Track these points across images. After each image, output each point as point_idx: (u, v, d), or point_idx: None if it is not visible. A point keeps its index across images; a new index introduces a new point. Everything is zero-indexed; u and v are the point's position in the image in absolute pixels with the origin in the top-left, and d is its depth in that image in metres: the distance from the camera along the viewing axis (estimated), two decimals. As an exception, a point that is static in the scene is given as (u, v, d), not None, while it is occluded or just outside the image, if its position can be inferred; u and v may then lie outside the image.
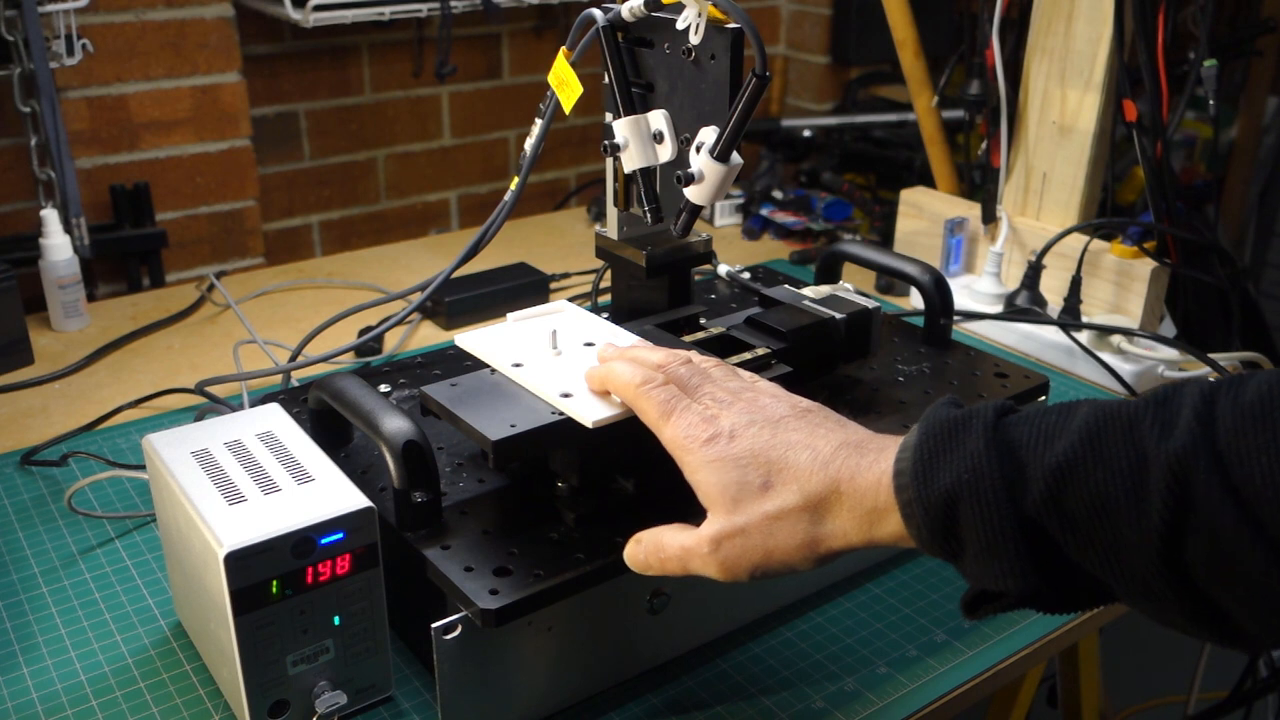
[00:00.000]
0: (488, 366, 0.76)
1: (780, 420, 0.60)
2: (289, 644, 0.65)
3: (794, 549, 0.57)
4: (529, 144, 0.91)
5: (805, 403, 0.63)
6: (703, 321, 0.88)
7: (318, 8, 1.38)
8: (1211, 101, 1.16)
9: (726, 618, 0.78)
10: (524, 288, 1.28)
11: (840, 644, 0.78)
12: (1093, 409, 0.49)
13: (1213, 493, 0.44)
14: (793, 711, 0.72)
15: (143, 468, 0.93)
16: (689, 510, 0.72)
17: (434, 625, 0.63)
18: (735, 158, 0.74)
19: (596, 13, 0.79)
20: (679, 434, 0.61)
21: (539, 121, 0.89)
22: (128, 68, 1.35)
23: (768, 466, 0.58)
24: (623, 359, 0.68)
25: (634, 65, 0.80)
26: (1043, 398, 0.92)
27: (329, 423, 0.80)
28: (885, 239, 1.48)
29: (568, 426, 0.68)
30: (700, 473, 0.60)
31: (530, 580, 0.65)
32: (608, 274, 0.94)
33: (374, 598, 0.67)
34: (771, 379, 0.79)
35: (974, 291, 1.26)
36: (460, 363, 0.95)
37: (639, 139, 0.80)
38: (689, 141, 0.77)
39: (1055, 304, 1.22)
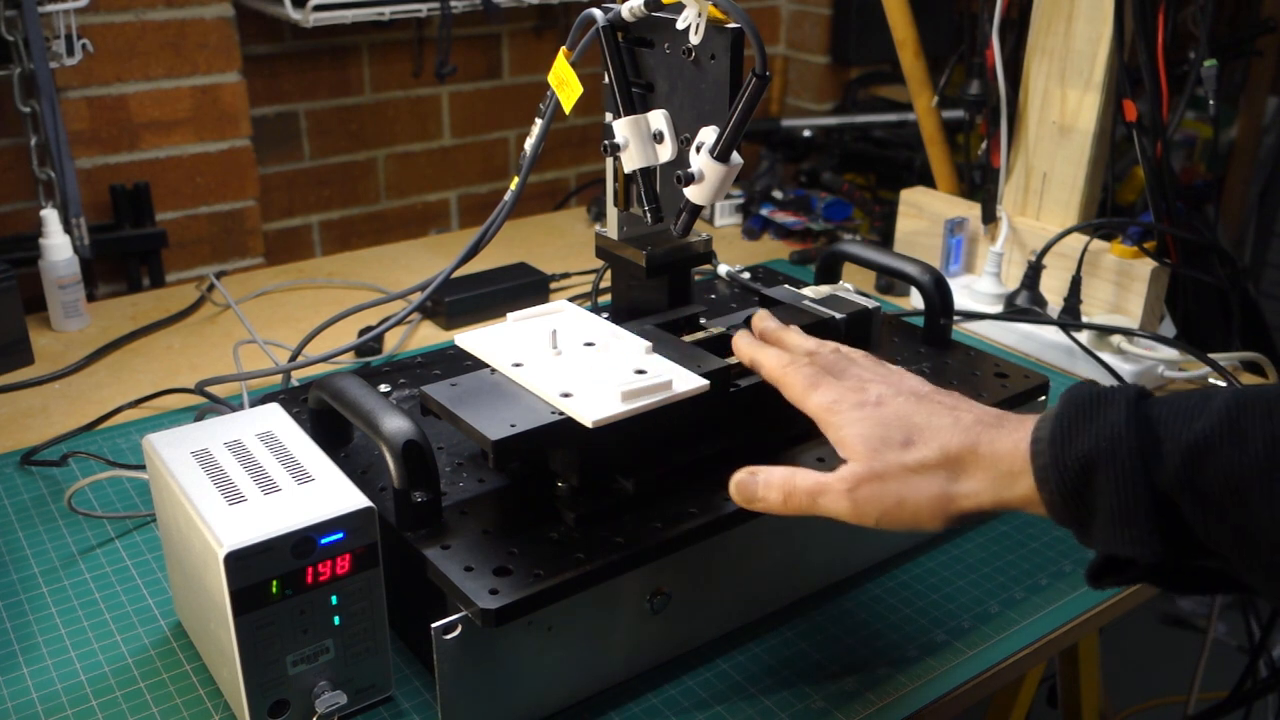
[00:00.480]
0: (488, 366, 0.76)
1: (925, 395, 0.64)
2: (289, 644, 0.65)
3: (925, 502, 0.59)
4: (529, 144, 0.91)
5: (943, 389, 0.66)
6: (703, 321, 0.88)
7: (318, 8, 1.38)
8: (1211, 101, 1.16)
9: (726, 618, 0.78)
10: (524, 288, 1.28)
11: (840, 644, 0.78)
12: (1234, 393, 0.51)
13: None
14: (793, 711, 0.72)
15: (143, 468, 0.93)
16: (688, 511, 0.72)
17: (434, 625, 0.63)
18: (735, 158, 0.74)
19: (596, 13, 0.79)
20: (826, 400, 0.64)
21: (539, 121, 0.89)
22: (128, 68, 1.35)
23: (911, 428, 0.61)
24: (771, 348, 0.71)
25: (634, 65, 0.80)
26: (1043, 398, 0.92)
27: (329, 423, 0.80)
28: (885, 239, 1.48)
29: (568, 426, 0.68)
30: (845, 429, 0.62)
31: (530, 580, 0.65)
32: (608, 274, 0.94)
33: (374, 598, 0.67)
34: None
35: (974, 291, 1.26)
36: (460, 363, 0.95)
37: (639, 139, 0.80)
38: (689, 141, 0.77)
39: (1055, 304, 1.22)
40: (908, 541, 0.88)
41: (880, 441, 0.61)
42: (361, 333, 1.15)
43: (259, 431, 0.73)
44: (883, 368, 0.68)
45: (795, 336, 0.73)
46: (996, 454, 0.58)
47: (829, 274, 1.03)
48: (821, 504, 0.62)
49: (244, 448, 0.71)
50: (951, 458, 0.59)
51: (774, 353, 0.70)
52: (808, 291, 0.91)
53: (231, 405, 1.03)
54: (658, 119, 0.79)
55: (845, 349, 0.71)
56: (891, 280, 1.35)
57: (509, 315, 0.81)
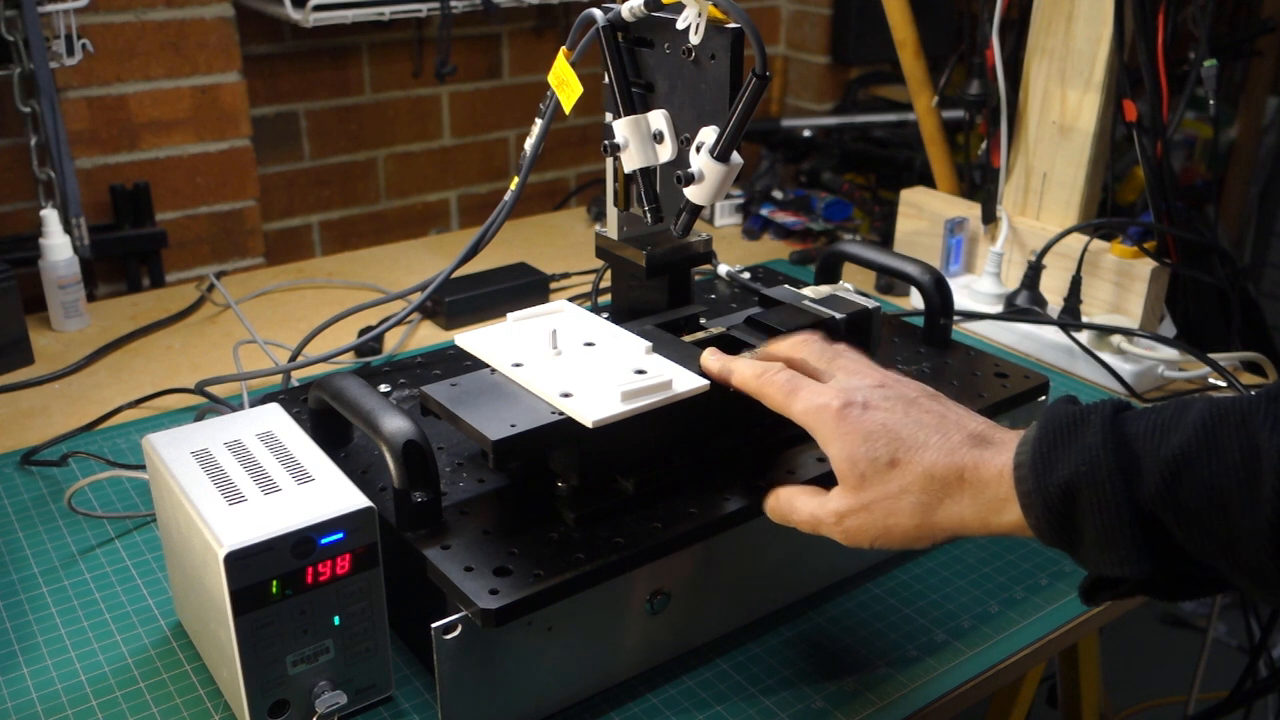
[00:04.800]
0: (488, 366, 0.76)
1: (914, 400, 0.62)
2: (289, 644, 0.65)
3: (912, 528, 0.59)
4: (529, 144, 0.91)
5: (931, 390, 0.65)
6: (703, 321, 0.88)
7: (318, 8, 1.38)
8: (1211, 101, 1.16)
9: (726, 618, 0.78)
10: (524, 288, 1.28)
11: (840, 644, 0.78)
12: (1207, 404, 0.51)
13: None
14: (793, 711, 0.72)
15: (143, 468, 0.93)
16: (688, 511, 0.72)
17: (434, 625, 0.63)
18: (735, 158, 0.74)
19: (596, 13, 0.79)
20: (810, 407, 0.63)
21: (539, 121, 0.89)
22: (128, 68, 1.35)
23: (897, 443, 0.60)
24: (742, 358, 0.71)
25: (634, 65, 0.80)
26: (1043, 398, 0.92)
27: (329, 423, 0.80)
28: (885, 239, 1.48)
29: (568, 426, 0.68)
30: (833, 445, 0.62)
31: (530, 580, 0.65)
32: (608, 274, 0.94)
33: (374, 598, 0.67)
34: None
35: (974, 291, 1.26)
36: (460, 363, 0.95)
37: (639, 139, 0.80)
38: (689, 141, 0.77)
39: (1055, 304, 1.22)
40: (908, 541, 0.88)
41: (867, 463, 0.60)
42: (361, 333, 1.15)
43: (259, 431, 0.73)
44: (867, 360, 0.68)
45: (773, 345, 0.72)
46: (982, 480, 0.57)
47: (829, 274, 1.03)
48: (820, 532, 0.64)
49: (244, 448, 0.71)
50: (937, 481, 0.58)
51: (746, 362, 0.70)
52: (808, 291, 0.91)
53: (231, 405, 1.03)
54: (658, 119, 0.79)
55: (827, 340, 0.70)
56: (891, 280, 1.35)
57: (509, 315, 0.81)
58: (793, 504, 0.66)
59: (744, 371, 0.69)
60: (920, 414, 0.61)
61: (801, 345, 0.69)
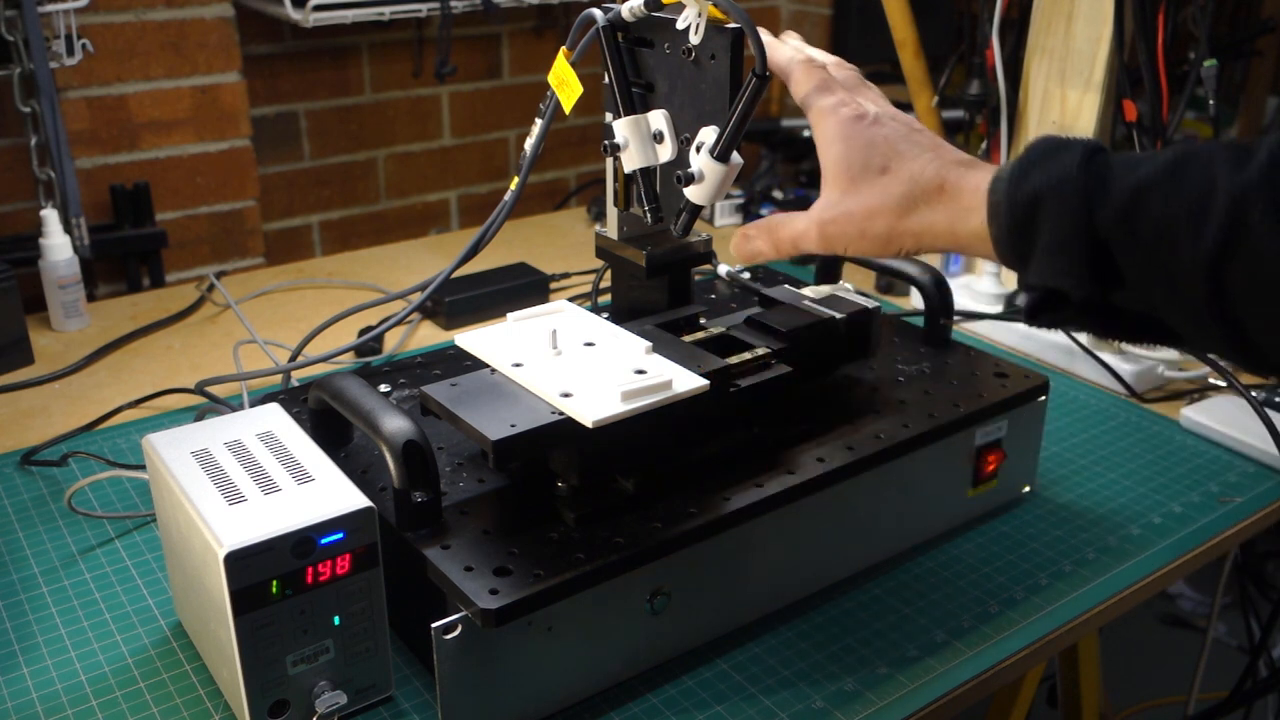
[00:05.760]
0: (488, 366, 0.76)
1: (920, 130, 0.66)
2: (289, 644, 0.65)
3: (884, 230, 0.63)
4: (529, 144, 0.91)
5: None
6: (703, 321, 0.88)
7: (318, 8, 1.39)
8: (1211, 101, 1.16)
9: (726, 618, 0.78)
10: (524, 288, 1.28)
11: (840, 644, 0.78)
12: (1183, 146, 0.53)
13: (1266, 221, 0.48)
14: (793, 711, 0.72)
15: (143, 468, 0.93)
16: (688, 511, 0.72)
17: (434, 625, 0.63)
18: (735, 158, 0.74)
19: (596, 13, 0.79)
20: (828, 102, 0.67)
21: (539, 121, 0.89)
22: (128, 68, 1.35)
23: (892, 155, 0.64)
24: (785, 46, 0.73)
25: (634, 65, 0.80)
26: (1043, 398, 0.92)
27: (329, 423, 0.80)
28: (885, 239, 1.48)
29: (568, 426, 0.68)
30: (835, 145, 0.65)
31: (530, 580, 0.65)
32: (608, 274, 0.94)
33: (374, 598, 0.67)
34: (771, 379, 0.80)
35: (974, 291, 1.26)
36: (460, 363, 0.95)
37: (639, 139, 0.80)
38: (689, 141, 0.77)
39: (1055, 304, 1.22)
40: (907, 541, 0.88)
41: (860, 168, 0.64)
42: (361, 333, 1.15)
43: (259, 431, 0.73)
44: (890, 104, 0.70)
45: (813, 50, 0.74)
46: (959, 190, 0.61)
47: (829, 274, 1.03)
48: (801, 246, 0.68)
49: (244, 448, 0.71)
50: (919, 188, 0.62)
51: (791, 47, 0.72)
52: (808, 291, 0.91)
53: (231, 405, 1.03)
54: (658, 119, 0.79)
55: (860, 77, 0.72)
56: (891, 280, 1.35)
57: (509, 315, 0.81)
58: (775, 235, 0.69)
59: (784, 52, 0.71)
60: (922, 138, 0.65)
61: (837, 67, 0.72)
